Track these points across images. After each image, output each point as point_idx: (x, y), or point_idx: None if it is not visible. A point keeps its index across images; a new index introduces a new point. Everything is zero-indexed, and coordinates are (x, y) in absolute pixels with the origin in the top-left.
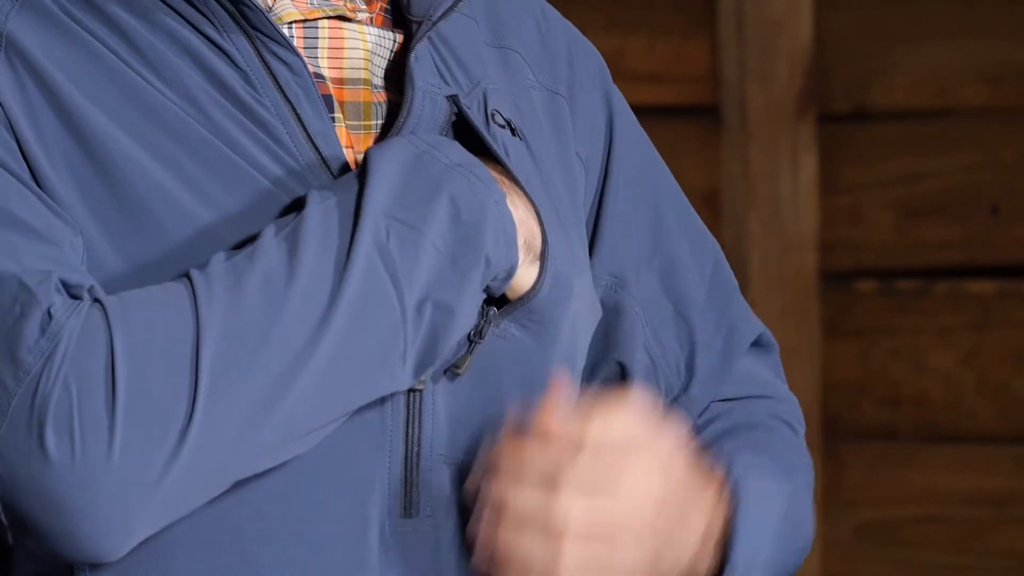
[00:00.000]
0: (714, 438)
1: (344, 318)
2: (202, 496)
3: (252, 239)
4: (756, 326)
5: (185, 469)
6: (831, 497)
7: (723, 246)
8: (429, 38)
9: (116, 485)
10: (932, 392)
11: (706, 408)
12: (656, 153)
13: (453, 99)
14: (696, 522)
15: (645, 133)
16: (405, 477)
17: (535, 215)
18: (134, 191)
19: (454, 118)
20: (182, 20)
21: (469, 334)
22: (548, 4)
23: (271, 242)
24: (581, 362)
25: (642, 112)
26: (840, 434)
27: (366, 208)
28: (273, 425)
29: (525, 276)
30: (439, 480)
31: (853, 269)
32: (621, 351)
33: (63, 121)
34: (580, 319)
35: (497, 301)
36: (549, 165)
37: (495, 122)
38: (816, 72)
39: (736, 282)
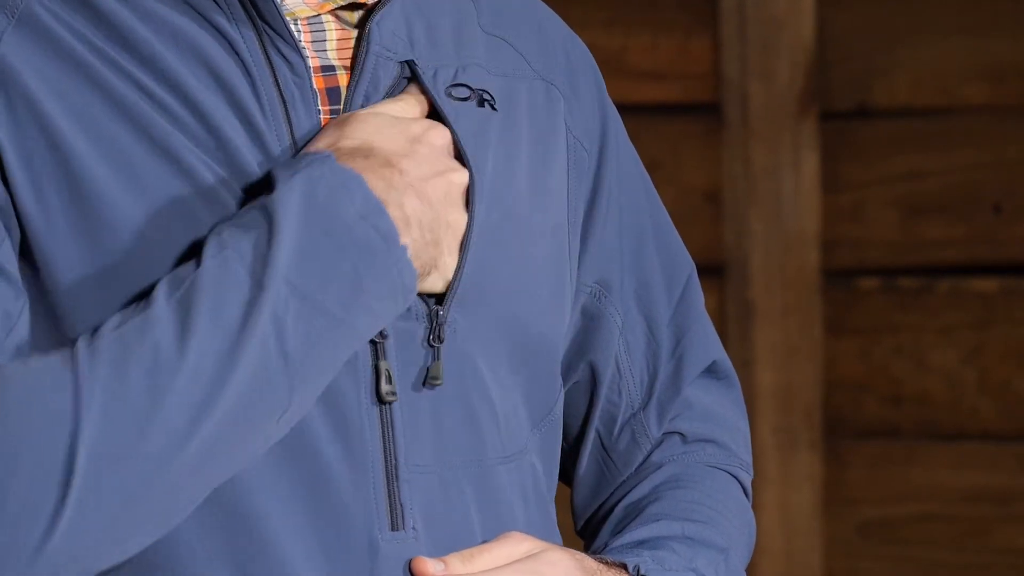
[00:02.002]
0: (650, 491)
1: (230, 403)
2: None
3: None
4: (712, 353)
5: (55, 557)
6: (833, 495)
7: (725, 244)
8: (405, 5)
9: None
10: (934, 390)
11: (660, 441)
12: (641, 164)
13: (408, 64)
14: None
15: (632, 145)
16: (388, 491)
17: (464, 195)
18: (112, 223)
19: (404, 82)
20: (193, 12)
21: (429, 340)
22: (549, 9)
23: (163, 308)
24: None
25: (644, 110)
26: (842, 432)
27: (270, 273)
28: (154, 498)
29: (447, 267)
30: (419, 492)
31: (855, 267)
32: (595, 354)
33: (52, 148)
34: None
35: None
36: (524, 148)
37: (455, 96)
38: (818, 70)
39: (703, 305)
